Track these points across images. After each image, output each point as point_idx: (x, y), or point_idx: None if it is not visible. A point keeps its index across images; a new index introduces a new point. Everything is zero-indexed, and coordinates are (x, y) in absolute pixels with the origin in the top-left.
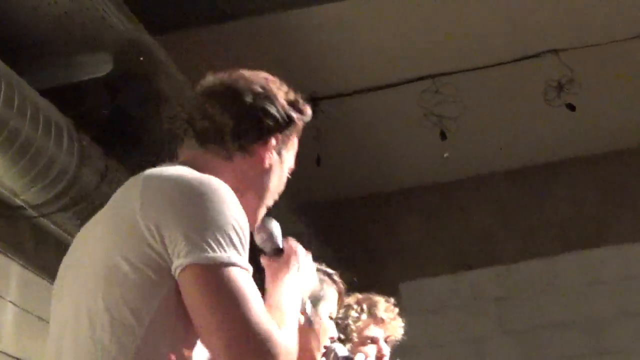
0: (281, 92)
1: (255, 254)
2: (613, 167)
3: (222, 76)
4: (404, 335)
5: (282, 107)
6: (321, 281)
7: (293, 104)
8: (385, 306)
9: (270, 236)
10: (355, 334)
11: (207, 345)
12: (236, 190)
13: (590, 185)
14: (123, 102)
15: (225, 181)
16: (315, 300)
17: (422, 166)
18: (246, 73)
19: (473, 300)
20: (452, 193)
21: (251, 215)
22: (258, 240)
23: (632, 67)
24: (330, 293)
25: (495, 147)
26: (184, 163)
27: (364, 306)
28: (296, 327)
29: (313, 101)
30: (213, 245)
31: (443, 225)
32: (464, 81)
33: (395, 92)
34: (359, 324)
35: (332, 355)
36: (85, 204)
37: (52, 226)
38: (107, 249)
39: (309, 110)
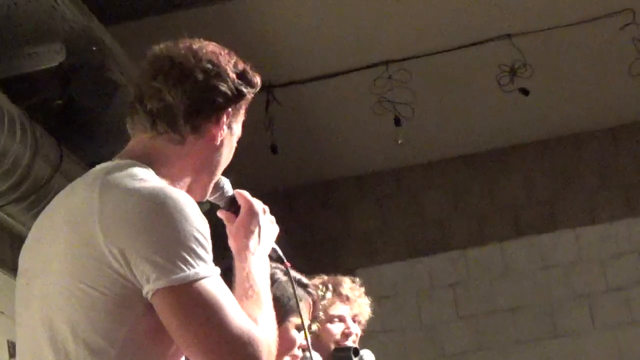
0: (231, 65)
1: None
2: (565, 151)
3: (169, 50)
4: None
5: (233, 81)
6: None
7: (243, 77)
8: (350, 285)
9: (221, 189)
10: (321, 313)
11: None
12: (192, 172)
13: (542, 169)
14: (76, 93)
15: (181, 169)
16: (287, 311)
17: (375, 152)
18: (195, 45)
19: (428, 285)
20: (406, 179)
21: (202, 190)
22: (211, 198)
23: (584, 51)
24: (302, 305)
25: (449, 133)
26: (136, 157)
27: (329, 285)
28: (270, 302)
29: (266, 89)
30: (179, 264)
31: (397, 211)
32: (417, 67)
33: (348, 78)
34: (324, 302)
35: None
36: (39, 195)
37: (7, 218)
38: (68, 272)
39: (258, 81)
